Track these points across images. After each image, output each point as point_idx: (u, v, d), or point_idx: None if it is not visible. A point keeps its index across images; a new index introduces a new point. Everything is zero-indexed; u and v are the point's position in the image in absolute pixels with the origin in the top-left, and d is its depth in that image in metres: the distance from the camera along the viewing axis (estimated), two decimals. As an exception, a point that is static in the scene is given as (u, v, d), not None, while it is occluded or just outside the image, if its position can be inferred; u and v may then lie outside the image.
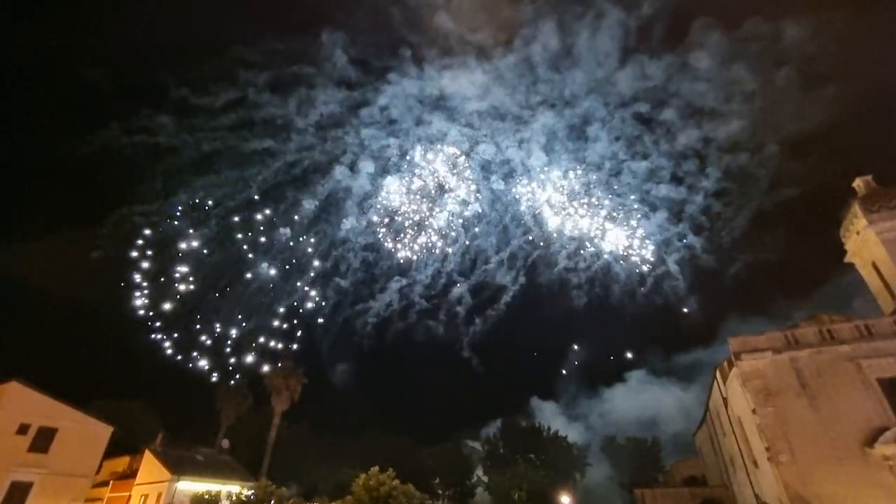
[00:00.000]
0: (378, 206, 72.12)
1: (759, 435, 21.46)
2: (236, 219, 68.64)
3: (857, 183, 27.86)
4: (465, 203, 73.00)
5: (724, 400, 26.78)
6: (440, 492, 43.37)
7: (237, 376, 51.59)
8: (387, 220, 71.13)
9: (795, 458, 20.26)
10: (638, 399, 65.37)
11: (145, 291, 56.58)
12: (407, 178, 72.25)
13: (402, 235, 70.15)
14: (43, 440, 30.22)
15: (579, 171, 68.85)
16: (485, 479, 42.27)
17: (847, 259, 28.86)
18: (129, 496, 35.57)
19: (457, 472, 43.10)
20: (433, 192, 71.41)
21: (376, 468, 23.86)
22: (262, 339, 60.49)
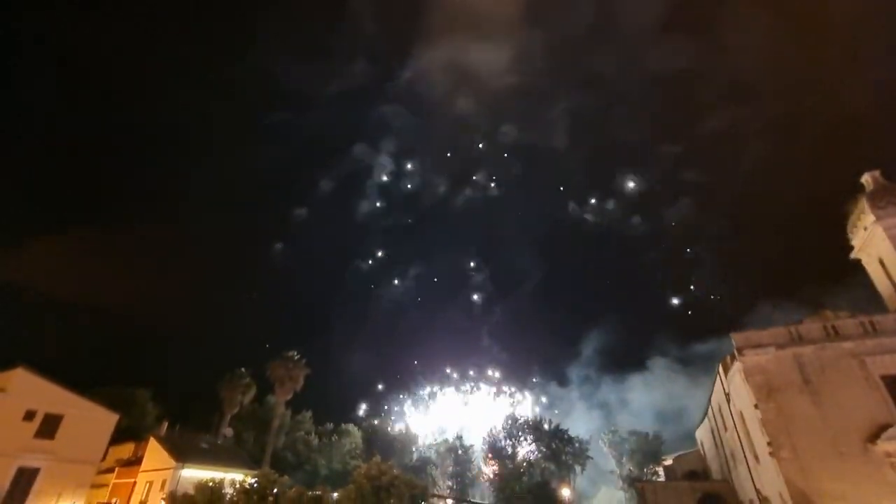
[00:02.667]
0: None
1: (761, 430, 21.45)
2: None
3: (865, 178, 27.54)
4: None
5: (727, 395, 26.75)
6: (440, 482, 43.70)
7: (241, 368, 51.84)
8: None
9: (797, 454, 20.24)
10: (662, 389, 63.14)
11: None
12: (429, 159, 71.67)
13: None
14: (49, 427, 30.60)
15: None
16: (486, 470, 42.55)
17: (853, 255, 28.63)
18: (135, 482, 36.04)
19: (458, 463, 43.43)
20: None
21: (377, 458, 24.11)
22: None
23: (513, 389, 76.31)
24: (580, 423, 57.51)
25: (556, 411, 67.31)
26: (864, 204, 26.35)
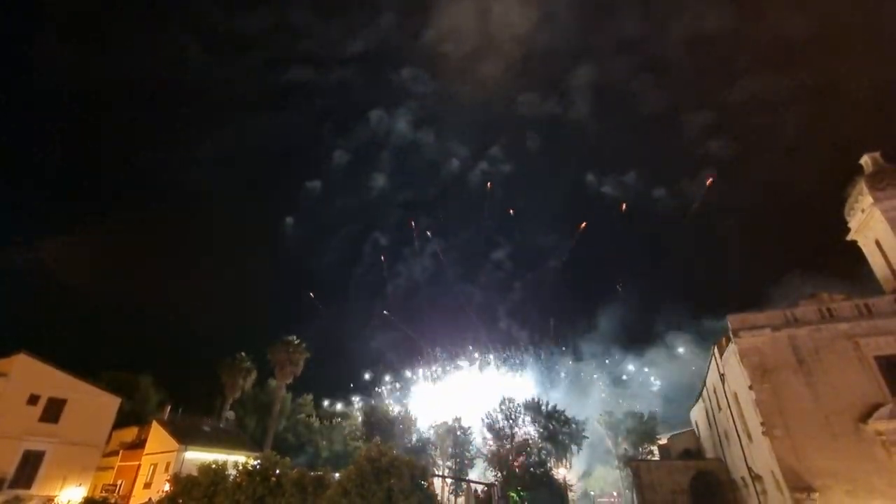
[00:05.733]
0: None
1: (755, 410, 21.80)
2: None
3: (865, 160, 27.40)
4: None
5: (721, 376, 27.10)
6: (440, 463, 44.49)
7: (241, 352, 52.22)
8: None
9: (790, 433, 20.61)
10: (679, 364, 62.15)
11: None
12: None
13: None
14: (53, 410, 31.01)
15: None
16: (483, 451, 43.27)
17: (850, 237, 28.67)
18: (139, 465, 36.64)
19: (456, 443, 44.14)
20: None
21: (377, 439, 24.46)
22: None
23: (517, 360, 75.91)
24: (593, 400, 57.96)
25: (569, 386, 66.98)
26: (862, 185, 26.29)
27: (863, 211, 26.65)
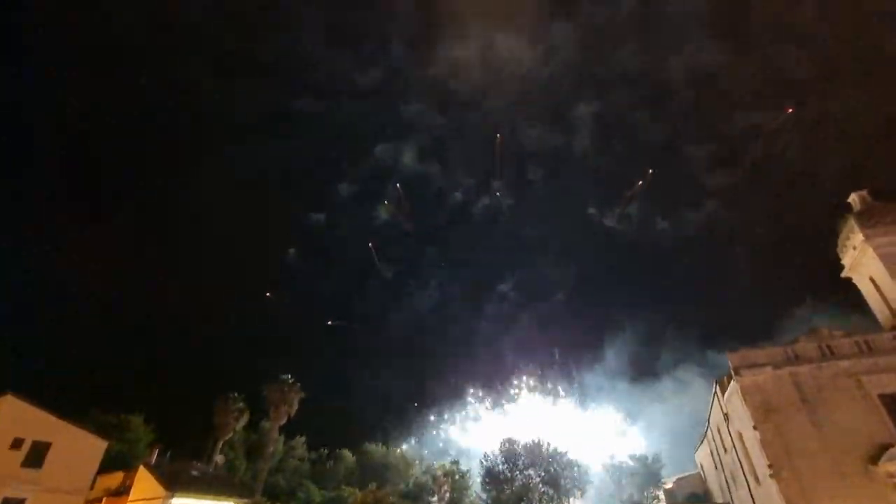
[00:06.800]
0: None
1: (761, 451, 21.27)
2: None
3: (853, 198, 28.07)
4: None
5: (725, 415, 26.59)
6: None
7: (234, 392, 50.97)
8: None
9: (798, 475, 20.05)
10: (685, 398, 60.43)
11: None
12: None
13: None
14: (37, 455, 29.87)
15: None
16: (483, 496, 41.64)
17: (844, 274, 28.93)
18: (123, 513, 34.95)
19: (455, 489, 42.54)
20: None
21: (374, 485, 23.64)
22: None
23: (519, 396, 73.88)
24: (597, 439, 56.23)
25: (573, 423, 65.08)
26: (852, 223, 26.79)
27: (855, 248, 27.04)
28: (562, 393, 72.91)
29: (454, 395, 77.30)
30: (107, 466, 37.29)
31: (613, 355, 76.55)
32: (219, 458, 47.01)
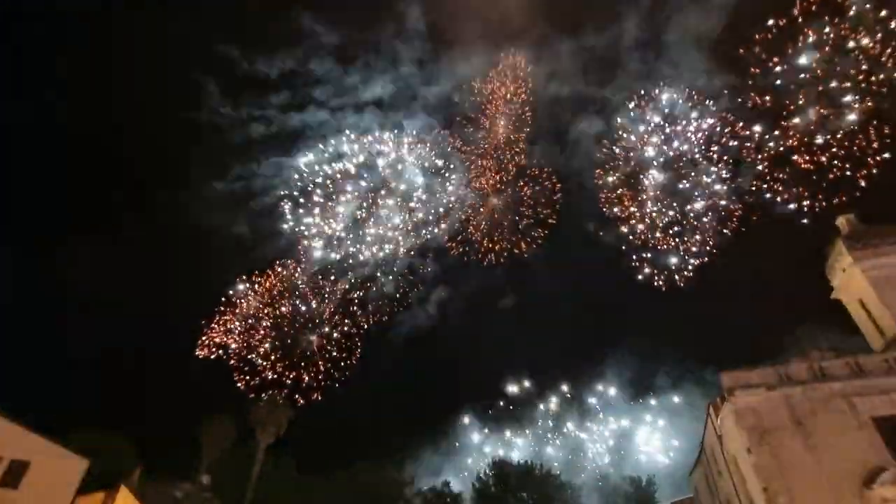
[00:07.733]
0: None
1: (756, 474, 21.07)
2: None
3: (841, 221, 28.57)
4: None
5: (719, 437, 26.38)
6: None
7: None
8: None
9: (793, 499, 19.85)
10: (689, 419, 60.15)
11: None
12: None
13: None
14: (14, 475, 28.82)
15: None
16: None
17: (834, 296, 29.21)
18: (102, 536, 33.71)
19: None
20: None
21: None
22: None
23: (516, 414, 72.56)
24: (592, 460, 55.42)
25: (568, 443, 64.17)
26: (840, 246, 27.18)
27: (843, 270, 27.38)
28: (558, 411, 72.34)
29: (449, 413, 76.25)
30: (87, 487, 36.10)
31: (612, 374, 76.37)
32: (204, 479, 45.76)
